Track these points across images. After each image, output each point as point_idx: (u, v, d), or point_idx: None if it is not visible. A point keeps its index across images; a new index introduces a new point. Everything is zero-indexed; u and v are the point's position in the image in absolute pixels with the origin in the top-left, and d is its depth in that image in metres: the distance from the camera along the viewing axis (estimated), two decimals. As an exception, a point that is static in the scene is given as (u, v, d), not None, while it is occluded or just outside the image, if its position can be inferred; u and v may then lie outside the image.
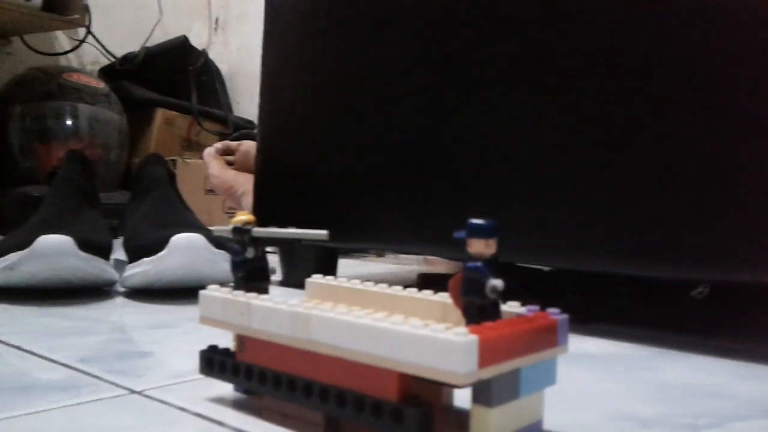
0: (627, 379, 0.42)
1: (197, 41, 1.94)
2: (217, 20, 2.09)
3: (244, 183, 1.39)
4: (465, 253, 0.30)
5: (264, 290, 0.37)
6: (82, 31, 1.66)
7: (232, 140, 1.60)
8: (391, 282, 0.85)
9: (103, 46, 1.77)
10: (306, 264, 0.78)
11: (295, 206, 0.74)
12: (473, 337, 0.25)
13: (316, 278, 0.40)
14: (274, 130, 0.77)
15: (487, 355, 0.26)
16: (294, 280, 0.78)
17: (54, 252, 0.61)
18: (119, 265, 0.77)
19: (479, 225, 0.29)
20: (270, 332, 0.32)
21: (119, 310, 0.61)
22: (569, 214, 0.54)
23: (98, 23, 1.71)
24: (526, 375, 0.28)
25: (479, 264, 0.29)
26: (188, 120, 1.80)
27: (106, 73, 1.77)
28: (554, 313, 0.30)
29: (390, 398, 0.28)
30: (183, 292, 0.68)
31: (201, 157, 1.70)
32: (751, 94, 0.47)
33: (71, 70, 1.60)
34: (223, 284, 0.49)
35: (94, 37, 1.70)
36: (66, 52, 1.75)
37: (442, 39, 0.62)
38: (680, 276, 0.50)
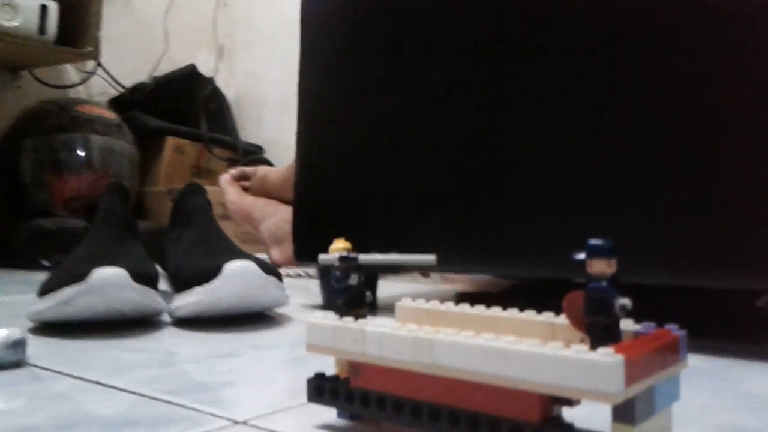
0: (715, 391, 0.43)
1: (203, 69, 1.95)
2: (222, 48, 2.11)
3: (262, 208, 1.39)
4: (584, 273, 0.30)
5: (362, 316, 0.37)
6: (90, 63, 1.67)
7: (241, 166, 1.61)
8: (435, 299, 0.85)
9: (112, 77, 1.77)
10: (349, 288, 0.78)
11: (338, 230, 0.75)
12: (620, 357, 0.26)
13: (406, 302, 0.40)
14: (314, 155, 0.78)
15: (632, 373, 0.26)
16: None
17: (110, 285, 0.61)
18: (164, 295, 0.76)
19: (601, 245, 0.30)
20: (389, 358, 0.32)
21: (176, 341, 0.61)
22: (633, 231, 0.55)
23: (106, 54, 1.72)
24: (659, 391, 0.29)
25: (603, 284, 0.29)
26: (198, 147, 1.80)
27: (116, 103, 1.78)
28: (674, 329, 0.31)
29: (532, 420, 0.28)
30: (229, 319, 0.68)
31: (212, 184, 1.70)
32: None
33: (84, 102, 1.60)
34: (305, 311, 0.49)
35: (103, 68, 1.71)
36: (76, 85, 1.75)
37: (494, 61, 0.63)
38: (746, 286, 0.51)
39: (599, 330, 0.30)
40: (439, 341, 0.30)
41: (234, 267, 0.64)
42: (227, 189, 1.42)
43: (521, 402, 0.28)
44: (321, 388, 0.35)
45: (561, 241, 0.58)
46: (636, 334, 0.31)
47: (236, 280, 0.64)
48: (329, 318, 0.35)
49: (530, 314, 0.36)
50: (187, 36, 2.04)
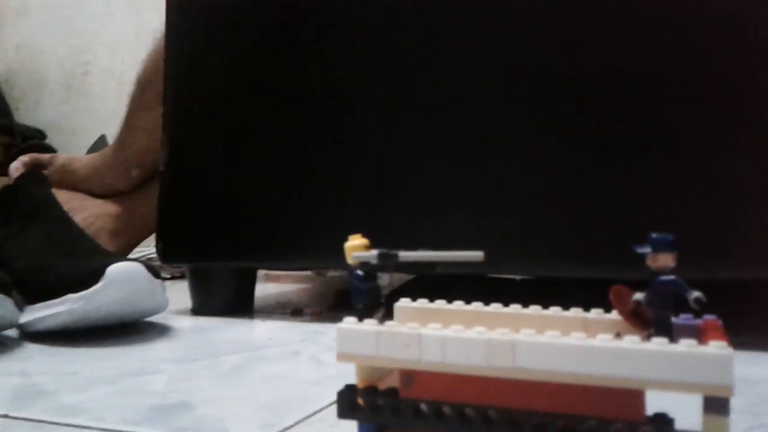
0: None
1: (-34, 37, 1.67)
2: (-13, 14, 1.81)
3: (67, 202, 1.22)
4: (646, 267, 0.31)
5: (380, 318, 0.34)
6: None
7: (20, 152, 1.40)
8: (307, 301, 0.81)
9: None
10: (224, 290, 0.72)
11: (218, 229, 0.68)
12: (731, 349, 0.26)
13: (405, 302, 0.38)
14: (187, 145, 0.70)
15: (732, 364, 0.27)
16: (210, 308, 0.71)
17: (-37, 293, 0.49)
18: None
19: (667, 239, 0.30)
20: (454, 364, 0.29)
21: (52, 359, 0.51)
22: (547, 224, 0.57)
23: None
24: (727, 380, 0.30)
25: (673, 277, 0.30)
26: (-37, 129, 1.53)
27: None
28: (716, 319, 0.32)
29: (637, 418, 0.27)
30: (85, 332, 0.57)
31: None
32: (721, 100, 0.54)
33: None
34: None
35: None
36: None
37: (396, 51, 0.62)
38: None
39: (667, 323, 0.31)
40: (522, 343, 0.29)
41: (119, 270, 0.55)
42: (19, 179, 1.23)
43: (620, 401, 0.28)
44: (353, 402, 0.31)
45: (475, 236, 0.59)
46: (676, 327, 0.32)
47: (121, 285, 0.55)
48: (368, 323, 0.31)
49: (557, 310, 0.35)
50: (-55, -4, 1.72)
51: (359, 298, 0.33)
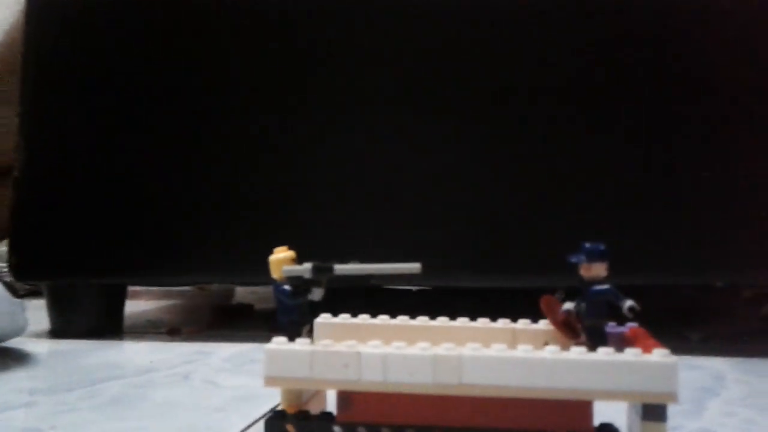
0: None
1: None
2: None
3: None
4: (577, 277, 0.31)
5: (306, 334, 0.32)
6: None
7: None
8: (181, 319, 0.75)
9: None
10: (89, 309, 0.65)
11: (75, 241, 0.61)
12: (675, 357, 0.27)
13: (326, 318, 0.35)
14: (45, 148, 0.63)
15: (671, 371, 0.28)
16: (73, 329, 0.64)
17: None
18: None
19: (600, 248, 0.30)
20: (398, 383, 0.28)
21: None
22: (443, 235, 0.57)
23: None
24: (658, 387, 0.30)
25: (608, 286, 0.30)
26: None
27: None
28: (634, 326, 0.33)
29: (586, 429, 0.27)
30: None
31: None
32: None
33: None
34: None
35: None
36: None
37: (288, 48, 0.60)
38: (545, 284, 0.57)
39: (600, 332, 0.31)
40: (469, 358, 0.27)
41: (-28, 288, 0.48)
42: None
43: (568, 413, 0.27)
44: (284, 429, 0.29)
45: (370, 247, 0.58)
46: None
47: (-25, 306, 0.48)
48: (300, 343, 0.29)
49: (485, 321, 0.35)
50: None
51: (287, 315, 0.30)
